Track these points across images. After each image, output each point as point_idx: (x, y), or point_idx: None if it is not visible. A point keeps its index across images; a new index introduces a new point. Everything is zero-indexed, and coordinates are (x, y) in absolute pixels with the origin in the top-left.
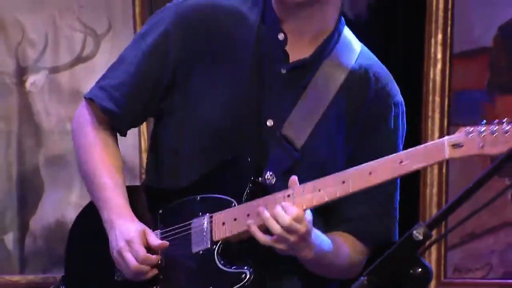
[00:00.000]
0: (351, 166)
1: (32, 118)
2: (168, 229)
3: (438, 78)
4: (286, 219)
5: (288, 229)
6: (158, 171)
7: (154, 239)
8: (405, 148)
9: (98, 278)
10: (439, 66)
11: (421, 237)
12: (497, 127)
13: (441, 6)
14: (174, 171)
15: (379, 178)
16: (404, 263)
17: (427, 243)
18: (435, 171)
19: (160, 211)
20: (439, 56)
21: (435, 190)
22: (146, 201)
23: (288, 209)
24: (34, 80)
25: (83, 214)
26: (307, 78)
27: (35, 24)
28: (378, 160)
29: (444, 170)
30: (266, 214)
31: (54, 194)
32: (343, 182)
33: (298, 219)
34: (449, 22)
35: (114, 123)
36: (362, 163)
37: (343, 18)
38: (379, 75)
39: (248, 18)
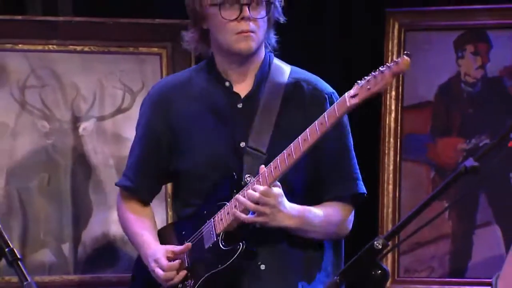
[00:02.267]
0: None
1: (84, 155)
2: (189, 239)
3: (392, 124)
4: (255, 195)
5: (260, 203)
6: (179, 202)
7: (176, 247)
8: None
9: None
10: (393, 115)
11: (380, 246)
12: (376, 72)
13: None
14: (188, 200)
15: (311, 140)
16: (367, 266)
17: (385, 251)
18: (390, 195)
19: (183, 232)
20: (393, 107)
21: (390, 210)
22: (174, 230)
23: (256, 188)
24: (85, 126)
25: None
26: (259, 102)
27: (87, 84)
28: (308, 128)
29: (397, 195)
30: (241, 198)
31: (100, 214)
32: (289, 154)
33: (265, 193)
34: (401, 82)
35: (134, 195)
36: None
37: (271, 53)
38: (308, 80)
39: (199, 80)
